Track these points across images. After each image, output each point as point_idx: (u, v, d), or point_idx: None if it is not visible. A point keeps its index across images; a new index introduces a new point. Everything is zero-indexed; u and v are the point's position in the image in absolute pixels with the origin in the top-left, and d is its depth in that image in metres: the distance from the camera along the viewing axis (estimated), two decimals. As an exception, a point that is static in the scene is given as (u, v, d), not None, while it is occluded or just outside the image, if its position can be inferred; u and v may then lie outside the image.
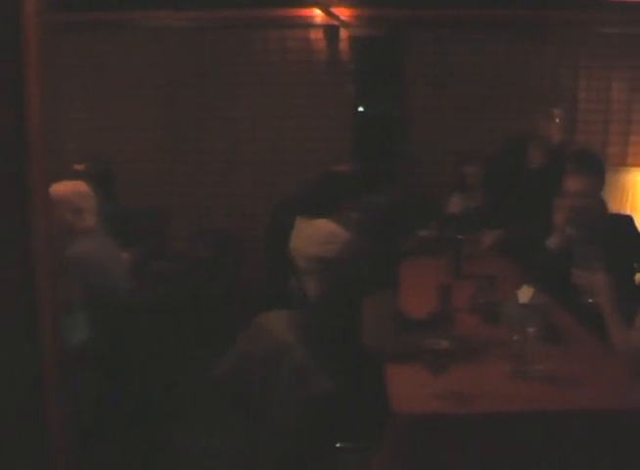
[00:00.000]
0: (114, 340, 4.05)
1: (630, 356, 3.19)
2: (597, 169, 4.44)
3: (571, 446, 2.82)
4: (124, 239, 4.48)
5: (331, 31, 7.80)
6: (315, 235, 4.82)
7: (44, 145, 2.25)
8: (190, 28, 7.90)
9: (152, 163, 8.09)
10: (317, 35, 7.89)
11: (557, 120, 5.97)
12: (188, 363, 5.25)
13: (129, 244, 4.53)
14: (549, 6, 7.34)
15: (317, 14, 7.68)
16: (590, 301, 3.62)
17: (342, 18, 7.58)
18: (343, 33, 7.84)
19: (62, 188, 4.21)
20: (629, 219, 4.56)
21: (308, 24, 7.88)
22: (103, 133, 8.02)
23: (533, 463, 2.82)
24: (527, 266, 4.75)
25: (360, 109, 7.94)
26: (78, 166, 5.80)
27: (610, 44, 7.75)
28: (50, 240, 2.29)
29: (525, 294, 3.72)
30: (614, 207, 5.75)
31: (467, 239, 5.34)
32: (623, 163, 7.85)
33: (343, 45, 7.88)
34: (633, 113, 7.90)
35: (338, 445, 3.59)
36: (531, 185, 5.71)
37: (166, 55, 7.96)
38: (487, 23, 7.69)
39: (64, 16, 6.76)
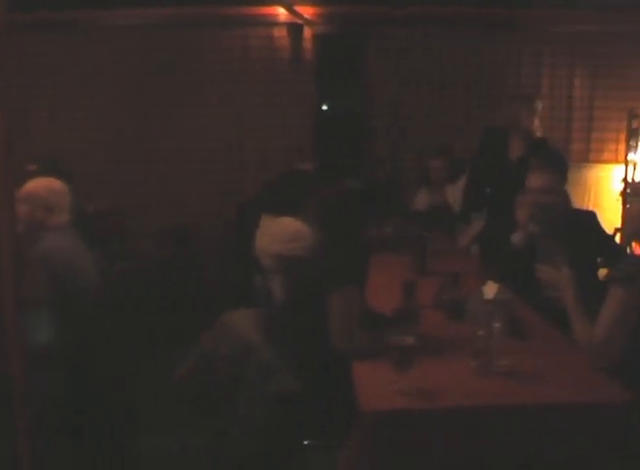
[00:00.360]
0: (81, 338, 4.03)
1: (593, 351, 3.22)
2: (559, 166, 4.48)
3: (535, 441, 2.84)
4: (86, 239, 4.46)
5: (294, 29, 7.79)
6: (279, 233, 4.81)
7: (6, 147, 2.22)
8: (152, 27, 7.85)
9: (113, 162, 8.04)
10: (280, 33, 7.88)
11: (540, 114, 5.95)
12: (153, 362, 5.22)
13: (91, 244, 4.50)
14: (513, 4, 7.40)
15: (281, 12, 7.68)
16: (554, 295, 3.65)
17: (306, 16, 7.59)
18: (307, 31, 7.84)
19: (34, 185, 4.25)
20: (592, 215, 4.60)
21: (272, 23, 7.88)
22: (63, 132, 7.97)
23: (498, 458, 2.84)
24: (492, 262, 4.78)
25: (324, 107, 7.95)
26: (31, 167, 5.76)
27: (573, 42, 7.83)
28: (14, 240, 2.27)
29: (489, 290, 3.73)
30: (576, 203, 5.79)
31: (432, 235, 5.36)
32: (586, 159, 7.94)
33: (307, 43, 7.88)
34: (595, 110, 7.98)
35: (305, 442, 3.59)
36: (512, 178, 5.67)
37: (129, 54, 7.90)
38: (450, 21, 7.73)
39: (22, 15, 6.75)
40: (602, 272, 4.49)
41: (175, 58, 7.93)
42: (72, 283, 4.10)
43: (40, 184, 4.31)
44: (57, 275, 4.01)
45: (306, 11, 7.56)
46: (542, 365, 3.25)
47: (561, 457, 2.85)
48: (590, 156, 7.99)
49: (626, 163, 7.66)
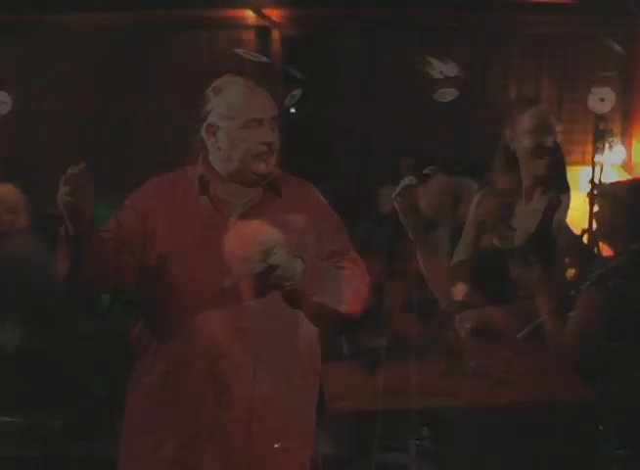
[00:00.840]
0: (49, 341, 4.03)
1: (564, 352, 3.23)
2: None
3: (504, 440, 2.84)
4: (44, 240, 4.46)
5: (262, 32, 7.77)
6: (248, 236, 4.78)
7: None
8: (119, 29, 7.79)
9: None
10: (248, 36, 7.85)
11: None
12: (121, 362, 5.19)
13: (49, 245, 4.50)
14: (478, 7, 7.42)
15: (248, 14, 7.65)
16: (525, 295, 3.66)
17: (274, 18, 7.58)
18: (274, 34, 7.82)
19: None
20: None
21: (239, 25, 7.85)
22: (26, 135, 7.89)
23: (467, 458, 2.84)
24: (462, 264, 4.78)
25: (292, 109, 7.93)
26: None
27: (540, 44, 7.86)
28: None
29: (459, 291, 3.73)
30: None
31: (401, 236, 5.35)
32: (552, 161, 7.97)
33: (274, 46, 7.86)
34: (562, 112, 8.02)
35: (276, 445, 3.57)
36: None
37: (95, 57, 7.83)
38: (415, 24, 7.75)
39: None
40: (569, 273, 4.50)
41: (141, 61, 7.87)
42: (38, 284, 4.09)
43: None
44: (24, 278, 4.01)
45: (274, 13, 7.54)
46: (511, 366, 3.26)
47: (529, 457, 2.85)
48: (557, 158, 8.04)
49: (593, 164, 7.69)
